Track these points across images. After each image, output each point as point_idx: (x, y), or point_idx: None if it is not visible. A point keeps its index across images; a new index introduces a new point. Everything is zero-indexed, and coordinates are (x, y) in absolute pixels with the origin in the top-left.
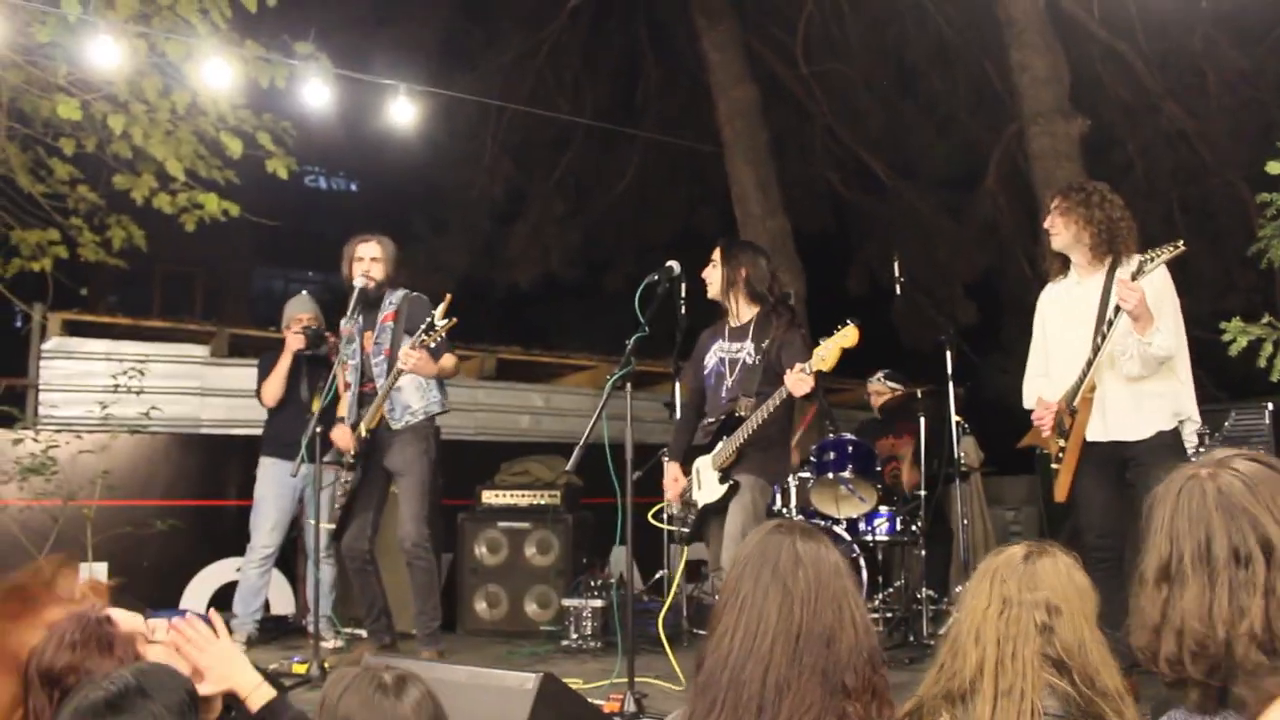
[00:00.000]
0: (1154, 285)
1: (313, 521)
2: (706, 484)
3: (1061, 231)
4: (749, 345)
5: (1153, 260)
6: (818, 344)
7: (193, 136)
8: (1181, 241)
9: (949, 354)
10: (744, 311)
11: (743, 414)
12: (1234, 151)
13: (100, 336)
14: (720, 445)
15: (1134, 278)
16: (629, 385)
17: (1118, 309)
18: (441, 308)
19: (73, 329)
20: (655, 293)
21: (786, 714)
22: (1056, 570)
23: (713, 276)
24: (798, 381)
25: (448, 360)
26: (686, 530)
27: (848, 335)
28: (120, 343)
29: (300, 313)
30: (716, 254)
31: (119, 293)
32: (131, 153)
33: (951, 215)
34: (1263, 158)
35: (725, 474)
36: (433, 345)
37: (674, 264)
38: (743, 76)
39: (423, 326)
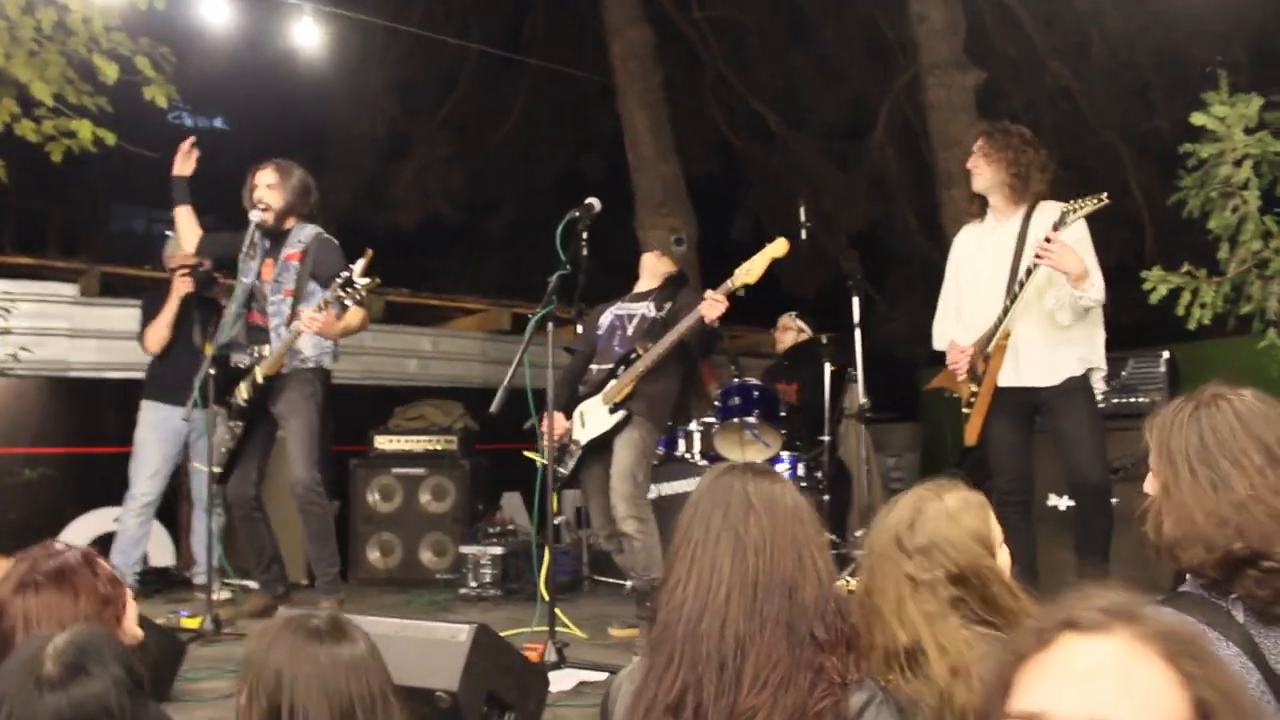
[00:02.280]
0: (1074, 235)
1: (202, 467)
2: (592, 420)
3: (984, 171)
4: (649, 303)
5: (1075, 212)
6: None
7: (61, 58)
8: (1105, 195)
9: (856, 300)
10: (649, 283)
11: (639, 353)
12: (1113, 111)
13: None
14: (613, 382)
15: (1055, 228)
16: (550, 326)
17: (1037, 260)
18: (361, 264)
19: None
20: (577, 230)
21: (752, 670)
22: (949, 525)
23: (655, 266)
24: (713, 302)
25: (354, 316)
26: (564, 472)
27: (777, 246)
28: None
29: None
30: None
31: None
32: None
33: (839, 165)
34: (1138, 118)
35: (616, 407)
36: (349, 304)
37: (594, 200)
38: (637, 17)
39: (338, 281)
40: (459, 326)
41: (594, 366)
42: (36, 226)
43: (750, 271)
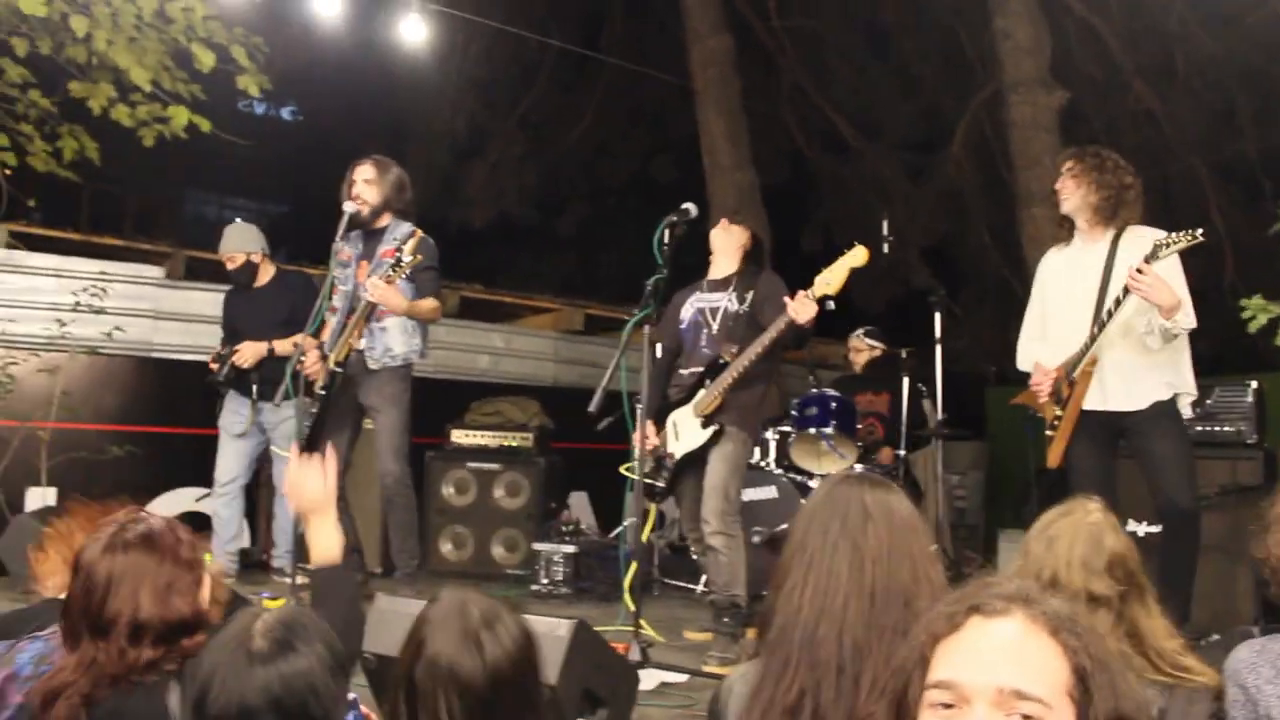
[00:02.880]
0: (1166, 266)
1: (283, 453)
2: (686, 433)
3: (1071, 194)
4: (730, 294)
5: (1169, 247)
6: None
7: (159, 45)
8: (1200, 231)
9: (937, 316)
10: (725, 266)
11: (727, 360)
12: (1196, 134)
13: (50, 250)
14: (702, 393)
15: (1147, 260)
16: (647, 329)
17: (1126, 290)
18: (411, 243)
19: (21, 241)
20: (674, 234)
21: (869, 677)
22: (1122, 541)
23: (734, 232)
24: (802, 306)
25: (427, 303)
26: (661, 485)
27: (856, 255)
28: (70, 259)
29: (233, 251)
30: (726, 222)
31: (44, 206)
32: (88, 58)
33: (912, 179)
34: (1222, 142)
35: (708, 420)
36: (400, 280)
37: (690, 206)
38: (719, 24)
39: (389, 261)
40: (531, 325)
41: (683, 370)
42: (112, 209)
43: (830, 282)
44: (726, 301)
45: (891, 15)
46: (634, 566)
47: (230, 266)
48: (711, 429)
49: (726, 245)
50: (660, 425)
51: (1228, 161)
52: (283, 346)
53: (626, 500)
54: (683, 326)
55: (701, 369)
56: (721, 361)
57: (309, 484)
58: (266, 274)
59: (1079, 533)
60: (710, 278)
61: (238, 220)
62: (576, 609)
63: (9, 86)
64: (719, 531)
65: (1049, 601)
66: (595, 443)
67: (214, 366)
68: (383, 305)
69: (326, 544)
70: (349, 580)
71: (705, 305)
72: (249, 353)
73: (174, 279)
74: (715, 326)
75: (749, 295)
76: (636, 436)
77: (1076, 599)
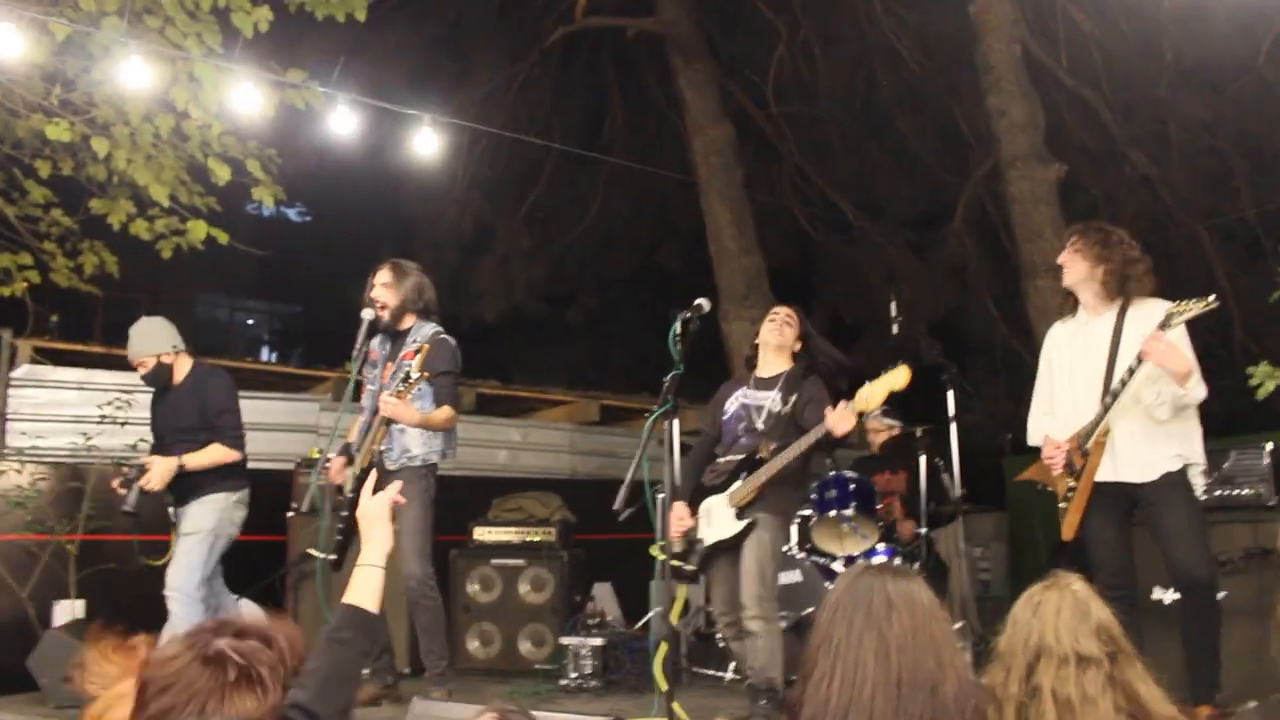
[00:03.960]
0: (1174, 336)
1: (318, 555)
2: (718, 521)
3: (1076, 266)
4: (776, 394)
5: (1180, 315)
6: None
7: (176, 161)
8: (1214, 297)
9: (950, 393)
10: (776, 366)
11: (763, 455)
12: (1194, 197)
13: (71, 365)
14: (738, 484)
15: (1161, 328)
16: (669, 423)
17: (1139, 359)
18: (418, 360)
19: (44, 356)
20: (688, 329)
21: None
22: (1105, 611)
23: (787, 334)
24: (842, 419)
25: (441, 414)
26: (690, 568)
27: (898, 376)
28: (93, 371)
29: (140, 355)
30: (797, 318)
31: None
32: (107, 176)
33: (916, 255)
34: (1221, 205)
35: (741, 512)
36: (411, 397)
37: (703, 301)
38: (718, 115)
39: (399, 376)
40: (547, 418)
41: (721, 458)
42: (124, 316)
43: (870, 400)
44: (770, 402)
45: (888, 96)
46: (663, 648)
47: (141, 372)
48: (745, 522)
49: (782, 342)
50: (693, 509)
51: (1228, 224)
52: (195, 460)
53: (652, 589)
54: (725, 417)
55: (738, 459)
56: (758, 457)
57: (380, 517)
58: (182, 371)
59: (1065, 599)
60: (759, 374)
61: (143, 319)
62: (607, 701)
63: (33, 207)
64: (757, 616)
65: None
66: (617, 533)
67: (121, 491)
68: (398, 419)
69: (368, 592)
70: (369, 630)
71: (751, 402)
72: (158, 477)
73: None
74: (759, 423)
75: (793, 399)
76: (671, 516)
77: (1065, 663)
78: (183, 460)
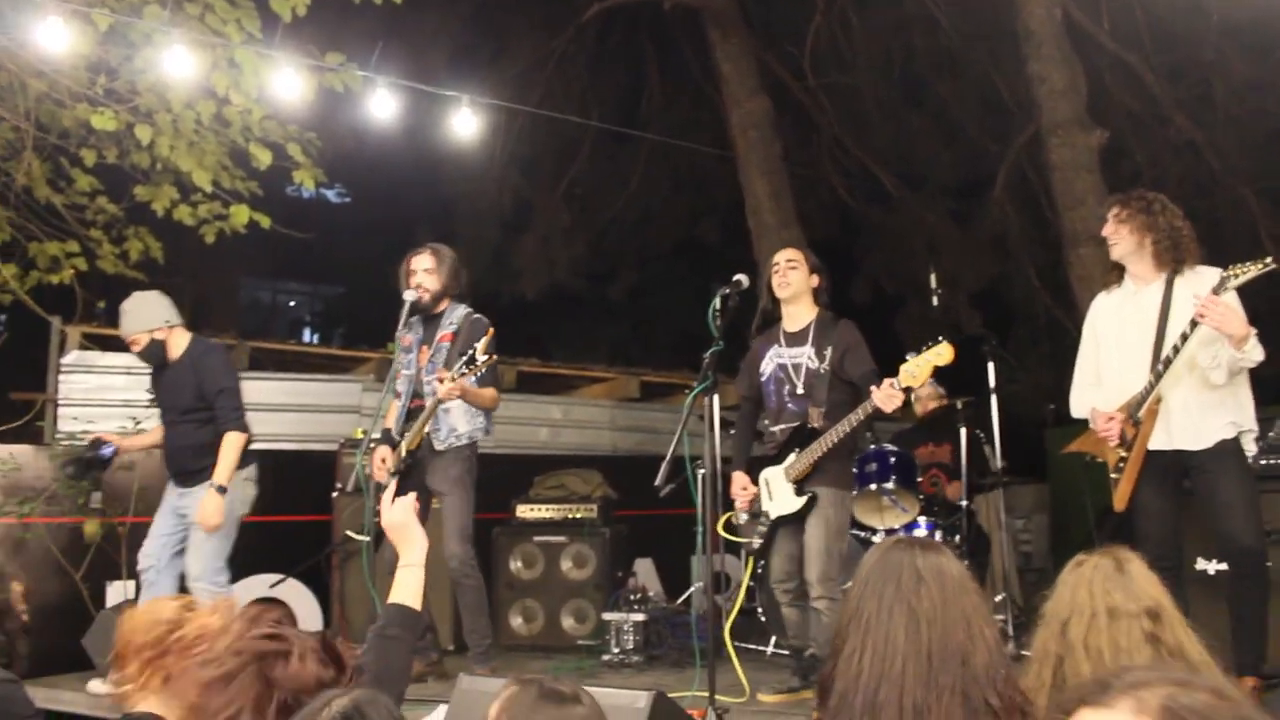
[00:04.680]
0: (1228, 297)
1: (358, 536)
2: (779, 495)
3: (1124, 239)
4: (809, 350)
5: (1237, 276)
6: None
7: (218, 147)
8: (1270, 259)
9: (991, 364)
10: (802, 316)
11: (815, 425)
12: (1241, 162)
13: (119, 350)
14: (793, 457)
15: (1215, 292)
16: (709, 399)
17: (1194, 323)
18: (483, 342)
19: (92, 342)
20: (727, 305)
21: None
22: (1149, 576)
23: (793, 278)
24: (889, 398)
25: (487, 394)
26: (759, 541)
27: (941, 353)
28: None
29: (133, 332)
30: (798, 255)
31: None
32: (151, 163)
33: (957, 224)
34: (1268, 168)
35: (800, 486)
36: (473, 379)
37: (742, 277)
38: (756, 88)
39: (462, 360)
40: (587, 394)
41: (772, 427)
42: (172, 300)
43: (916, 376)
44: (806, 359)
45: (926, 64)
46: (735, 610)
47: (135, 350)
48: (805, 497)
49: (793, 291)
50: (753, 480)
51: (1276, 188)
52: (224, 475)
53: (693, 564)
54: (763, 379)
55: (790, 429)
56: (810, 427)
57: (410, 525)
58: (179, 347)
59: (1104, 562)
60: (786, 329)
61: (135, 294)
62: (649, 676)
63: (79, 195)
64: (823, 596)
65: (1165, 690)
66: (658, 509)
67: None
68: (455, 398)
69: (412, 591)
70: (415, 627)
71: (787, 361)
72: (209, 518)
73: (239, 369)
74: (800, 384)
75: (827, 352)
76: (734, 487)
77: (1096, 616)
78: (217, 484)
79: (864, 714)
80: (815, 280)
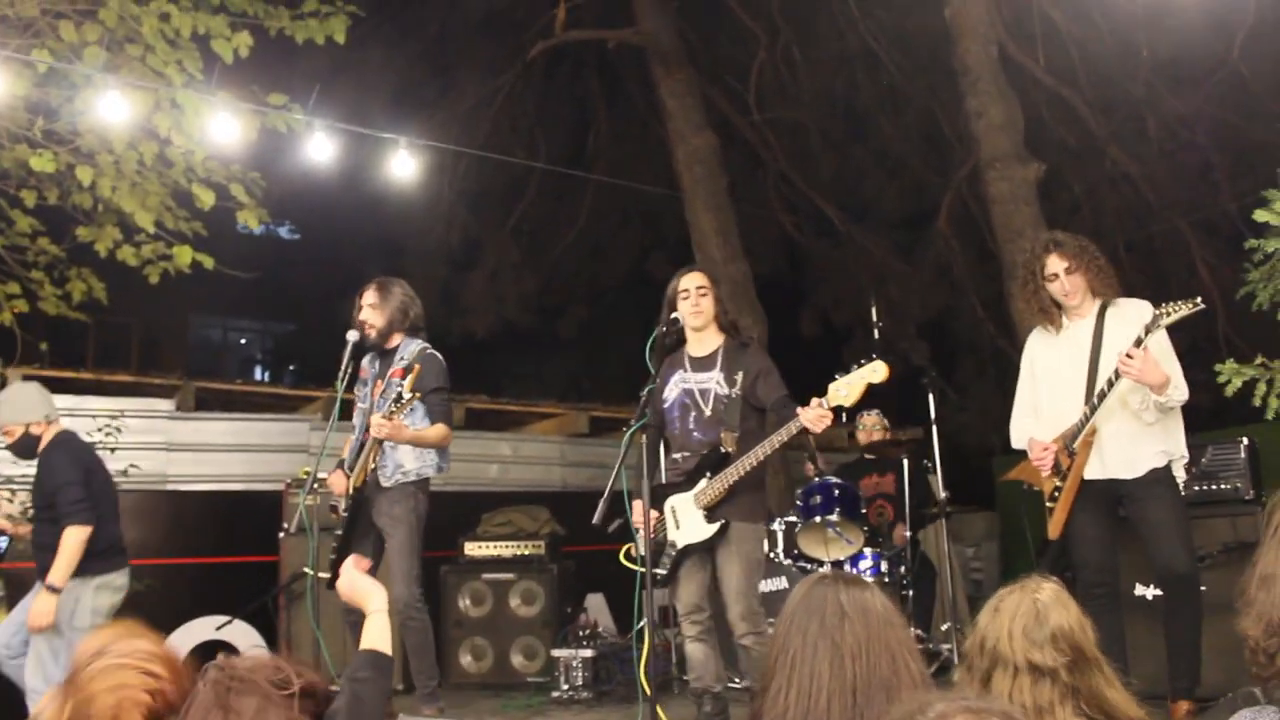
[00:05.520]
0: (1156, 340)
1: (311, 572)
2: (687, 523)
3: (1078, 290)
4: (718, 375)
5: (1168, 316)
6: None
7: (161, 188)
8: (1199, 299)
9: (930, 395)
10: (708, 341)
11: (728, 449)
12: (1175, 192)
13: (61, 391)
14: (704, 483)
15: (1148, 331)
16: (645, 436)
17: (1119, 373)
18: (409, 380)
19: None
20: (666, 342)
21: None
22: (1069, 619)
23: (705, 305)
24: (818, 418)
25: (435, 431)
26: (662, 572)
27: (876, 370)
28: (84, 398)
29: (9, 423)
30: (706, 281)
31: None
32: (93, 204)
33: (903, 257)
34: (1201, 199)
35: (711, 513)
36: (404, 416)
37: (679, 314)
38: (701, 124)
39: (391, 398)
40: (537, 430)
41: (675, 454)
42: (117, 340)
43: (847, 395)
44: (715, 384)
45: (869, 99)
46: (646, 646)
47: (6, 441)
48: (716, 524)
49: (705, 320)
50: (656, 509)
51: (1210, 218)
52: (60, 576)
53: (637, 597)
54: (666, 405)
55: (697, 456)
56: (723, 451)
57: (361, 582)
58: (45, 443)
59: (1023, 606)
60: (692, 354)
61: (14, 385)
62: (597, 713)
63: (19, 236)
64: (750, 632)
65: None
66: (608, 544)
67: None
68: (393, 439)
69: (380, 636)
70: (386, 669)
71: (693, 386)
72: (38, 621)
73: (184, 410)
74: (707, 410)
75: (738, 377)
76: (634, 518)
77: (1020, 672)
78: (49, 582)
79: None
80: (720, 302)
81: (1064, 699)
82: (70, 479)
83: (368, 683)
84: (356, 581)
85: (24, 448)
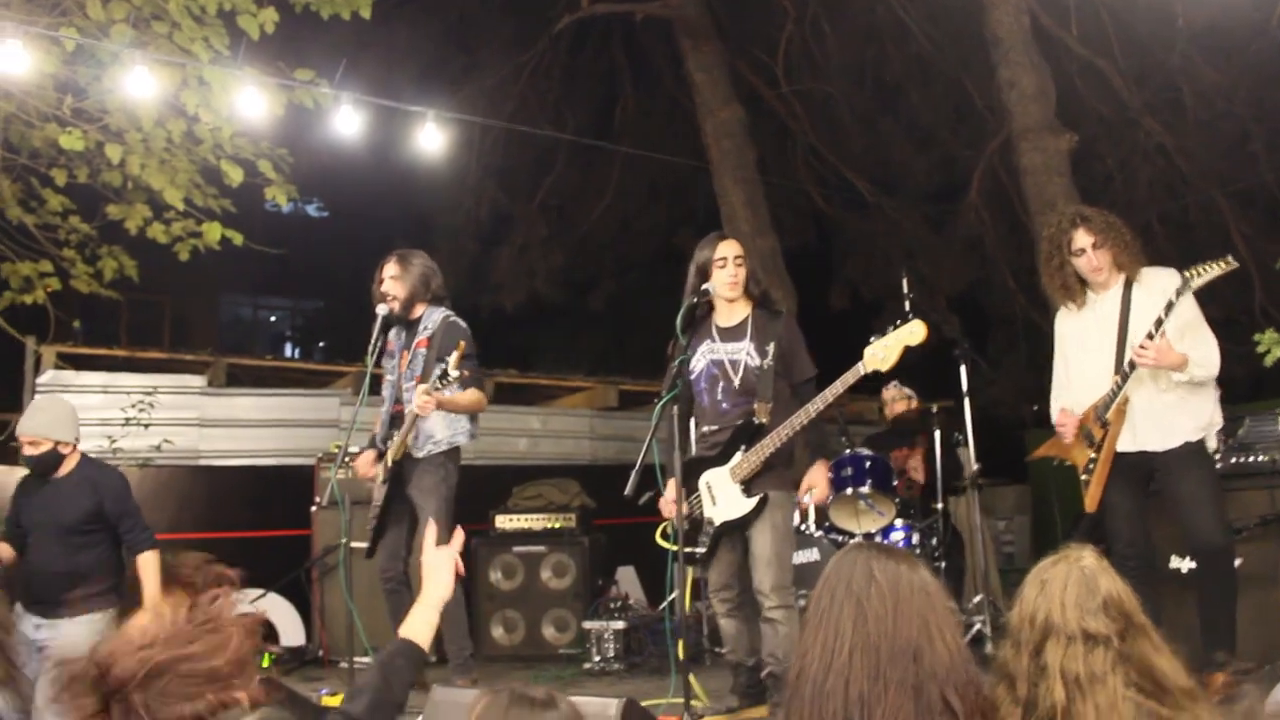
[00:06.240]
0: (1183, 311)
1: (356, 544)
2: (724, 499)
3: (1105, 267)
4: (749, 345)
5: (1199, 276)
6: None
7: (189, 165)
8: (1230, 258)
9: (963, 368)
10: (738, 311)
11: (762, 420)
12: (1210, 164)
13: (94, 369)
14: (739, 456)
15: (1179, 293)
16: (677, 407)
17: (1136, 362)
18: (454, 357)
19: (67, 362)
20: (696, 315)
21: None
22: (1118, 588)
23: (740, 275)
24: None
25: (469, 396)
26: (701, 550)
27: (914, 331)
28: (116, 375)
29: (38, 434)
30: (739, 249)
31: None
32: (123, 181)
33: (933, 229)
34: (1238, 170)
35: (748, 487)
36: (447, 394)
37: (709, 286)
38: (729, 97)
39: (435, 374)
40: (566, 404)
41: (705, 427)
42: (149, 318)
43: (885, 358)
44: (745, 355)
45: (898, 71)
46: (683, 630)
47: (30, 451)
48: (755, 498)
49: (739, 292)
50: (689, 485)
51: (1246, 189)
52: (153, 588)
53: (670, 571)
54: (693, 376)
55: (730, 428)
56: (758, 423)
57: (445, 567)
58: (70, 464)
59: (1072, 575)
60: (720, 323)
61: (48, 398)
62: (629, 684)
63: (51, 215)
64: (779, 605)
65: None
66: (638, 517)
67: None
68: (433, 410)
69: (424, 631)
70: (418, 663)
71: (722, 357)
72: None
73: (216, 386)
74: (736, 381)
75: (769, 348)
76: (667, 501)
77: (1073, 641)
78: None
79: (811, 703)
80: (751, 270)
81: (1115, 667)
82: (136, 506)
83: (399, 672)
84: (438, 566)
85: (45, 464)
